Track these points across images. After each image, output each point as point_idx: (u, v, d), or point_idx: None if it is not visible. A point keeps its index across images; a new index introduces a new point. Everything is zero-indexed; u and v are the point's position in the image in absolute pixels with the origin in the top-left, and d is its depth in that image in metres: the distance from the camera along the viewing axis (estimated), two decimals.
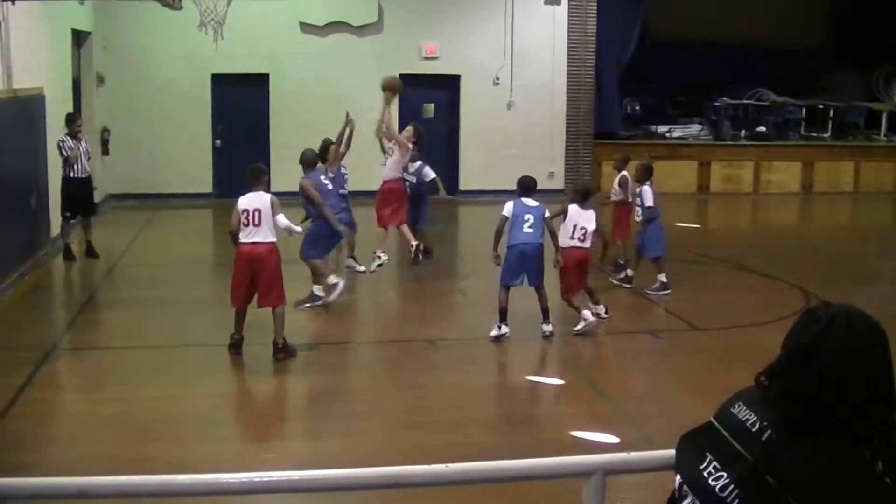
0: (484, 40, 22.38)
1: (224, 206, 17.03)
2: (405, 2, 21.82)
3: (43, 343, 10.48)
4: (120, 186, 20.67)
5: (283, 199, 10.23)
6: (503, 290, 10.74)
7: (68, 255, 14.73)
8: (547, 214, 10.82)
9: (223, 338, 10.05)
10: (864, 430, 2.43)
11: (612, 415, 8.80)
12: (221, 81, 21.27)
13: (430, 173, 14.48)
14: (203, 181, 21.44)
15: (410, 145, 13.76)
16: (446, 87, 22.68)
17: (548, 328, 10.79)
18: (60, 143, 14.40)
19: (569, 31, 22.80)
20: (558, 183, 22.41)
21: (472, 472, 3.30)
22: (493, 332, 10.71)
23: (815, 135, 26.04)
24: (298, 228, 10.78)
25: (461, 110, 22.76)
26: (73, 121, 14.80)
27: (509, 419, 8.93)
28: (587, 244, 11.19)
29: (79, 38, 18.77)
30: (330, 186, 12.26)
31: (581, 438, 8.13)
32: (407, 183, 14.05)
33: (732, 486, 2.49)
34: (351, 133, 13.50)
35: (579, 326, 11.07)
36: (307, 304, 11.95)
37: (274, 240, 9.96)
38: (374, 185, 14.20)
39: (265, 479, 3.13)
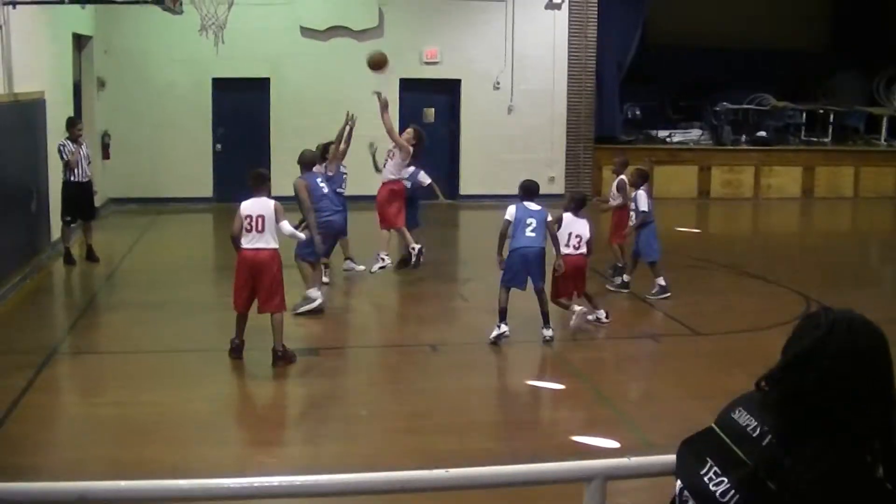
0: (484, 45, 22.41)
1: (225, 210, 17.06)
2: (406, 6, 21.85)
3: (44, 346, 10.48)
4: (120, 190, 20.68)
5: (284, 204, 10.22)
6: (503, 291, 10.75)
7: (69, 259, 14.73)
8: (549, 218, 10.85)
9: (223, 342, 10.05)
10: (864, 430, 2.43)
11: (613, 419, 8.80)
12: (222, 85, 21.29)
13: (425, 178, 14.48)
14: (204, 185, 21.46)
15: (411, 148, 13.77)
16: (447, 92, 22.70)
17: (548, 333, 10.78)
18: (61, 147, 14.40)
19: (569, 36, 22.83)
20: (559, 188, 22.41)
21: (473, 477, 3.30)
22: (493, 333, 10.71)
23: (815, 139, 26.07)
24: (302, 235, 10.77)
25: (462, 115, 22.77)
26: (73, 125, 14.80)
27: (510, 424, 8.92)
28: (583, 251, 11.22)
29: (80, 41, 18.79)
30: (325, 190, 12.22)
31: (582, 443, 8.13)
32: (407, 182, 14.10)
33: (733, 491, 2.49)
34: (351, 129, 13.50)
35: (573, 321, 11.15)
36: (304, 308, 11.92)
37: (276, 246, 9.95)
38: (371, 190, 14.23)
39: (266, 483, 3.13)
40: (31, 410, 8.59)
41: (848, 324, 2.52)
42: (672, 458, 2.81)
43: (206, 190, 21.49)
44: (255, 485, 3.12)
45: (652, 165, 22.60)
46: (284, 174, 12.28)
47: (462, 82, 22.59)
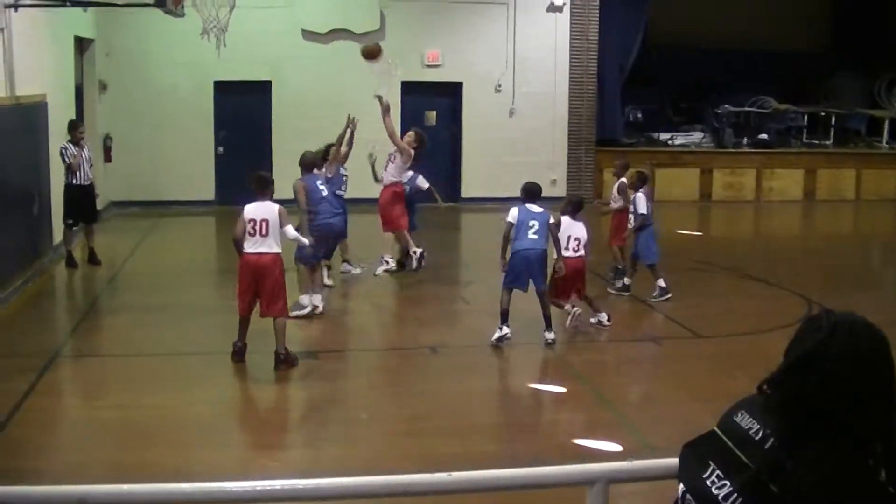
0: (486, 48, 22.43)
1: (226, 213, 17.09)
2: (407, 9, 21.86)
3: (46, 350, 10.48)
4: (122, 193, 20.70)
5: (286, 206, 10.22)
6: (505, 293, 10.76)
7: (71, 262, 14.73)
8: (551, 220, 10.85)
9: (225, 345, 10.05)
10: (865, 433, 2.43)
11: (615, 422, 8.79)
12: (224, 88, 21.31)
13: (424, 183, 14.49)
14: (205, 188, 21.47)
15: (412, 151, 13.78)
16: (448, 95, 22.71)
17: (550, 336, 10.78)
18: (63, 150, 14.41)
19: (571, 39, 22.86)
20: (560, 190, 22.40)
21: (475, 480, 3.30)
22: (495, 335, 10.72)
23: (816, 142, 26.09)
24: (306, 241, 10.75)
25: (463, 118, 22.79)
26: (75, 127, 14.81)
27: (511, 427, 8.92)
28: (581, 253, 11.24)
29: (81, 44, 18.81)
30: (325, 192, 12.20)
31: (583, 446, 8.13)
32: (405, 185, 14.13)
33: (735, 494, 2.49)
34: (353, 133, 13.54)
35: (568, 322, 11.21)
36: (294, 314, 11.90)
37: (279, 250, 9.94)
38: (372, 193, 14.24)
39: (268, 487, 3.13)
40: (33, 414, 8.59)
41: (850, 326, 2.52)
42: (674, 461, 2.81)
43: (208, 193, 21.51)
44: (258, 488, 3.12)
45: (653, 168, 22.59)
46: (286, 177, 12.26)
47: (463, 85, 22.61)
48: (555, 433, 8.81)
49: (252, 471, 7.43)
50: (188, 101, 21.08)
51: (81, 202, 14.72)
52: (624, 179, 13.94)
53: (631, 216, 13.33)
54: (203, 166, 21.47)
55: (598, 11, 22.97)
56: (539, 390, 10.05)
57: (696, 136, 25.36)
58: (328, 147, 13.50)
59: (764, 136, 25.22)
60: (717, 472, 2.56)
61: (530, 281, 10.77)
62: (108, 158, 20.29)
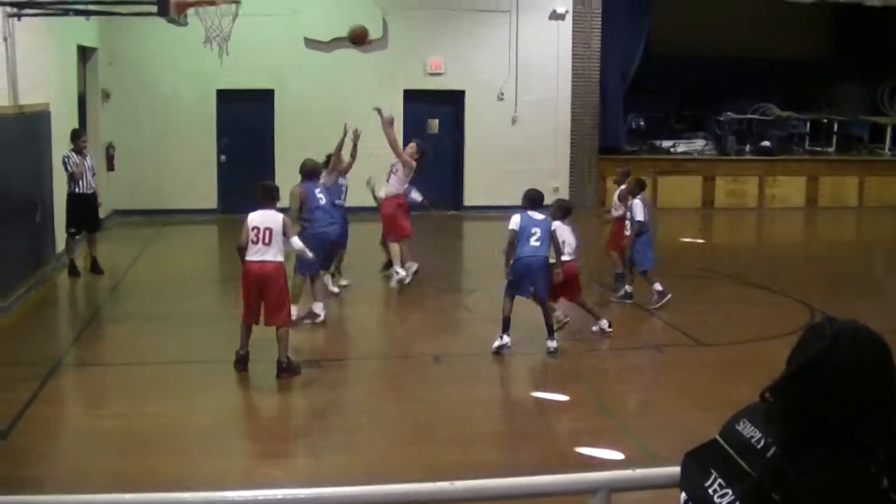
0: (488, 55, 22.46)
1: (229, 222, 17.10)
2: (410, 17, 21.91)
3: (48, 358, 10.48)
4: (125, 202, 20.72)
5: (288, 214, 10.23)
6: (507, 300, 10.76)
7: (73, 271, 14.74)
8: (557, 229, 10.85)
9: (228, 353, 10.04)
10: (867, 440, 2.43)
11: (617, 430, 8.78)
12: (226, 97, 21.34)
13: (417, 196, 14.49)
14: (208, 197, 21.49)
15: (414, 163, 13.78)
16: (451, 103, 22.73)
17: (552, 344, 10.77)
18: (65, 159, 14.41)
19: (573, 46, 22.90)
20: (571, 201, 22.37)
21: (478, 489, 3.30)
22: (496, 343, 10.72)
23: (819, 149, 26.10)
24: (310, 253, 10.73)
25: (466, 125, 22.81)
26: (78, 136, 14.83)
27: (514, 435, 8.91)
28: (573, 257, 11.25)
29: (84, 53, 18.84)
30: (322, 201, 12.17)
31: (585, 454, 8.12)
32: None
33: (738, 503, 2.49)
34: (355, 143, 13.61)
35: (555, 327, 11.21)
36: (307, 321, 11.93)
37: (282, 259, 9.93)
38: (372, 200, 14.26)
39: (270, 496, 3.12)
40: (36, 422, 8.59)
41: (852, 334, 2.51)
42: (677, 469, 2.80)
43: (211, 201, 21.53)
44: (260, 497, 3.12)
45: (656, 176, 22.63)
46: (288, 185, 12.23)
47: (466, 93, 22.63)
48: (557, 441, 8.79)
49: (254, 479, 7.43)
50: (191, 110, 21.11)
51: (84, 211, 14.73)
52: (625, 187, 13.96)
53: (627, 222, 13.34)
54: (205, 175, 21.49)
55: (600, 19, 23.01)
56: (541, 398, 10.03)
57: (699, 144, 25.37)
58: (329, 157, 13.52)
59: (766, 143, 25.23)
60: (720, 480, 2.56)
61: (532, 287, 10.78)
62: (110, 167, 20.31)
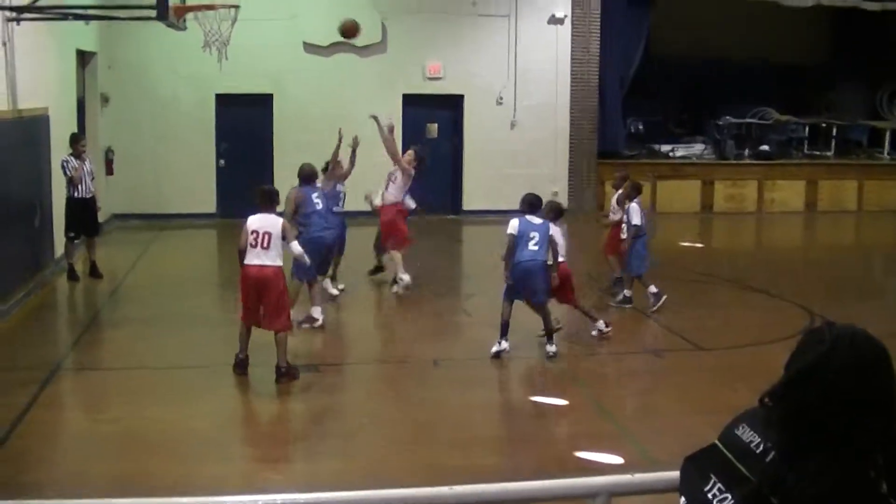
0: (487, 60, 22.46)
1: (228, 226, 17.10)
2: (409, 22, 21.91)
3: (47, 362, 10.48)
4: (124, 206, 20.70)
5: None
6: (506, 304, 10.75)
7: (72, 275, 14.73)
8: (551, 232, 10.84)
9: (227, 357, 10.05)
10: (867, 443, 2.43)
11: (616, 435, 8.79)
12: (225, 101, 21.34)
13: (411, 203, 14.47)
14: (207, 201, 21.49)
15: (413, 171, 13.75)
16: (450, 107, 22.73)
17: (552, 349, 10.78)
18: (64, 163, 14.41)
19: (572, 51, 22.90)
20: (562, 202, 22.37)
21: (478, 494, 3.30)
22: (494, 348, 10.72)
23: (818, 153, 26.11)
24: (307, 260, 10.72)
25: (465, 130, 22.80)
26: (77, 141, 14.82)
27: (513, 439, 8.91)
28: (564, 258, 11.24)
29: (83, 58, 18.85)
30: (319, 206, 12.17)
31: (585, 459, 8.11)
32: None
33: None
34: (354, 150, 13.64)
35: (540, 333, 11.22)
36: (305, 326, 11.93)
37: (281, 263, 9.94)
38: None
39: (269, 500, 3.13)
40: (35, 426, 8.59)
41: (851, 339, 2.51)
42: (676, 474, 2.80)
43: (210, 205, 21.52)
44: (259, 501, 3.12)
45: (655, 180, 22.66)
46: (287, 190, 12.25)
47: (465, 97, 22.63)
48: (556, 446, 8.80)
49: (253, 484, 7.42)
50: (190, 114, 21.11)
51: (83, 215, 14.72)
52: (622, 191, 13.98)
53: (624, 226, 13.36)
54: (204, 179, 21.49)
55: (599, 23, 23.02)
56: (541, 403, 10.03)
57: (698, 148, 25.37)
58: (328, 164, 13.54)
59: (765, 147, 25.23)
60: (719, 485, 2.56)
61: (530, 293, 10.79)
62: (109, 171, 20.32)
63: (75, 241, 14.85)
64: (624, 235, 13.33)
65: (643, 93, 24.42)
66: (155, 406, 9.21)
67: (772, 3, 23.53)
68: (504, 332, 10.71)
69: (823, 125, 26.33)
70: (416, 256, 14.25)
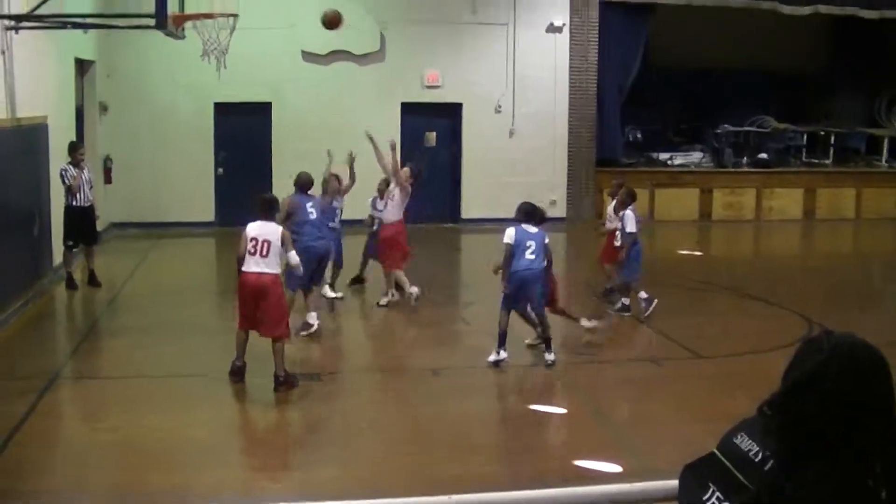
0: (486, 68, 22.49)
1: (226, 235, 17.10)
2: (407, 30, 21.94)
3: (46, 371, 10.47)
4: (122, 214, 20.71)
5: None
6: (504, 313, 10.74)
7: (71, 284, 14.72)
8: (547, 240, 10.83)
9: (225, 366, 10.04)
10: (866, 445, 2.43)
11: (615, 443, 8.78)
12: (224, 110, 21.35)
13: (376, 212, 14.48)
14: (205, 209, 21.50)
15: (409, 187, 13.72)
16: (448, 116, 22.75)
17: (550, 357, 10.77)
18: (63, 172, 14.41)
19: (570, 59, 22.93)
20: (561, 210, 22.49)
21: (476, 503, 3.29)
22: (492, 357, 10.72)
23: (816, 161, 26.13)
24: (301, 271, 10.71)
25: (463, 138, 22.82)
26: (75, 149, 14.83)
27: (512, 448, 8.90)
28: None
29: (82, 66, 18.86)
30: (313, 215, 12.15)
31: (584, 467, 8.10)
32: (377, 219, 14.13)
33: None
34: (352, 166, 13.72)
35: (530, 341, 11.32)
36: (304, 333, 11.93)
37: (279, 271, 9.95)
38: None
39: None
40: (33, 435, 8.58)
41: (849, 347, 2.52)
42: (675, 483, 2.80)
43: (208, 214, 21.53)
44: None
45: (653, 188, 22.69)
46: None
47: (463, 106, 22.65)
48: (555, 454, 8.80)
49: (251, 492, 7.42)
50: (188, 123, 21.12)
51: (81, 224, 14.72)
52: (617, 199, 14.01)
53: (618, 233, 13.36)
54: (203, 187, 21.50)
55: (597, 32, 23.05)
56: (540, 411, 10.02)
57: (696, 156, 25.39)
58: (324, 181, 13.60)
59: (763, 155, 25.27)
60: (718, 493, 2.56)
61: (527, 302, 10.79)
62: (108, 180, 20.32)
63: (74, 250, 14.85)
64: (618, 242, 13.33)
65: (641, 101, 24.46)
66: (153, 415, 9.20)
67: (770, 11, 23.59)
68: (502, 342, 10.70)
69: (822, 133, 26.36)
70: (414, 263, 14.22)
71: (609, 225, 14.17)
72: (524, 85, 22.59)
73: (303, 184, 12.29)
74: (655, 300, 13.06)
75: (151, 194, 20.98)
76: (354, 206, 14.64)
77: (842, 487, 2.40)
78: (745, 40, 24.92)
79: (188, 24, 14.28)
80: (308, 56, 21.61)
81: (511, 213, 11.03)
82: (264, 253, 9.74)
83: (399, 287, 13.68)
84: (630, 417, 9.97)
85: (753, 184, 24.63)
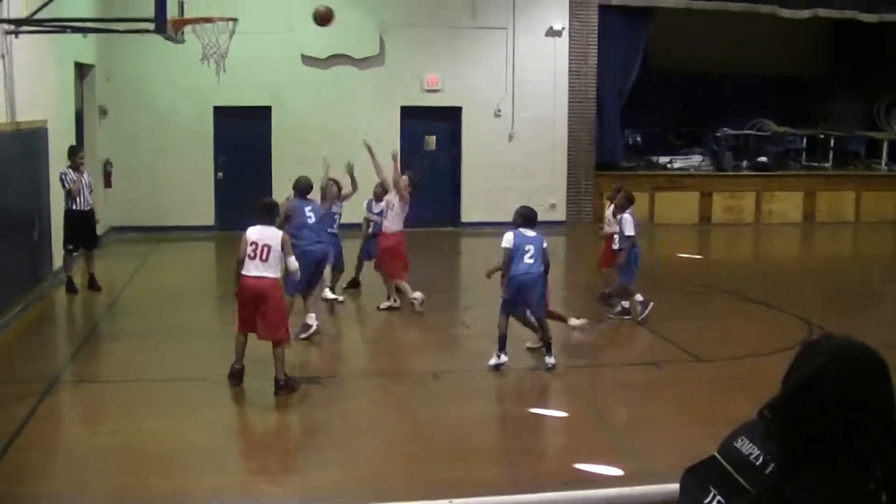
0: (485, 72, 22.50)
1: (226, 239, 17.10)
2: (407, 34, 21.95)
3: (46, 375, 10.46)
4: (122, 218, 20.71)
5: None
6: (503, 318, 10.74)
7: (71, 288, 14.72)
8: (545, 245, 10.82)
9: (225, 370, 10.04)
10: (866, 447, 2.43)
11: (615, 447, 8.78)
12: (223, 114, 21.36)
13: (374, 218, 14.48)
14: (205, 213, 21.50)
15: (408, 196, 13.71)
16: (448, 119, 22.76)
17: (551, 360, 10.77)
18: (63, 176, 14.41)
19: (570, 63, 22.95)
20: (560, 214, 22.51)
21: None
22: (492, 361, 10.72)
23: (816, 164, 26.15)
24: (298, 276, 10.72)
25: (462, 142, 22.83)
26: (75, 153, 14.82)
27: (512, 451, 8.89)
28: None
29: (82, 70, 18.87)
30: (311, 220, 12.14)
31: (584, 471, 8.10)
32: (372, 223, 14.15)
33: None
34: (352, 174, 13.77)
35: (529, 344, 11.30)
36: (303, 335, 11.93)
37: (278, 276, 9.95)
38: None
39: None
40: (33, 439, 8.57)
41: (849, 351, 2.52)
42: (675, 486, 2.80)
43: (208, 218, 21.53)
44: None
45: (653, 192, 22.69)
46: None
47: (463, 109, 22.66)
48: (556, 458, 8.79)
49: (251, 496, 7.43)
50: (188, 127, 21.13)
51: (81, 228, 14.72)
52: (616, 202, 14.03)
53: (616, 236, 13.37)
54: (203, 191, 21.50)
55: (596, 36, 23.07)
56: (540, 414, 10.03)
57: (696, 160, 25.40)
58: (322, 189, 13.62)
59: (763, 158, 25.28)
60: (718, 497, 2.56)
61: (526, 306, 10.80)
62: (108, 184, 20.32)
63: (74, 254, 14.85)
64: (616, 246, 13.34)
65: (641, 105, 24.47)
66: (153, 418, 9.19)
67: (769, 14, 23.62)
68: (502, 346, 10.70)
69: (821, 136, 26.39)
70: (414, 267, 14.21)
71: (607, 228, 14.19)
72: (523, 89, 22.61)
73: (302, 187, 12.29)
74: (651, 303, 13.07)
75: (151, 198, 20.99)
76: (354, 210, 14.65)
77: (842, 491, 2.40)
78: (744, 44, 24.95)
79: (188, 28, 14.29)
80: (307, 60, 21.62)
81: (510, 217, 11.03)
82: (264, 257, 9.74)
83: (400, 290, 13.68)
84: (630, 421, 9.96)
85: (753, 187, 24.63)
